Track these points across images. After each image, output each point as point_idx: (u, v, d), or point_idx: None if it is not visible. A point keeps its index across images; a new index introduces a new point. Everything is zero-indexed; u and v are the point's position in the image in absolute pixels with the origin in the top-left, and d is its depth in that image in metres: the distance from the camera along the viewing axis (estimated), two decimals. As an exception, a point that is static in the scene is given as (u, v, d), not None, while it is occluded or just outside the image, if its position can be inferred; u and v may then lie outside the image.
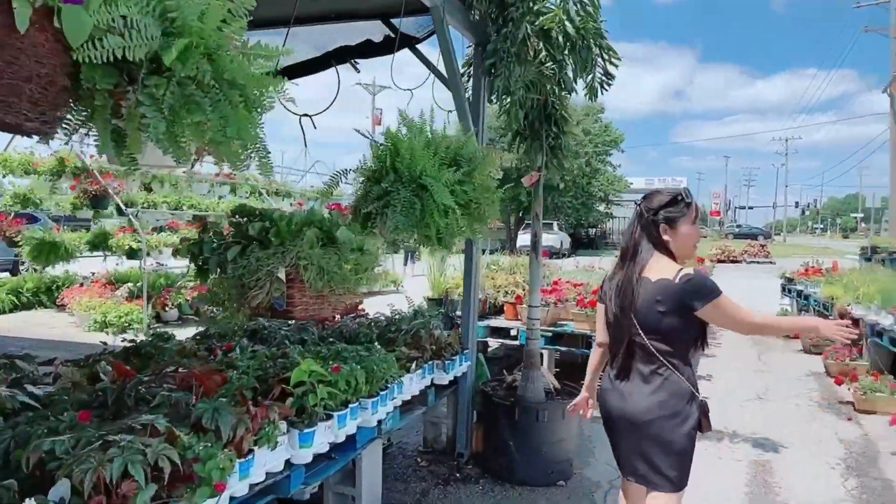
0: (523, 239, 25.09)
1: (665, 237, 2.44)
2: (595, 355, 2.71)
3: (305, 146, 3.03)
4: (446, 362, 3.86)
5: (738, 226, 61.32)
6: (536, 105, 3.97)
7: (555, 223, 31.46)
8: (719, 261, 26.21)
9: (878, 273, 7.50)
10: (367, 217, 2.95)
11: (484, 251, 9.37)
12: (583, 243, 38.41)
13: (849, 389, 5.90)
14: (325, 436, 2.69)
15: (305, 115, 3.02)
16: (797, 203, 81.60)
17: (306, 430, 2.58)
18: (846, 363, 6.69)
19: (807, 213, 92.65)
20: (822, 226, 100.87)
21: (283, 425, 2.51)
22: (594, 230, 42.73)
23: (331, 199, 2.94)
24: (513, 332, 6.12)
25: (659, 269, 2.38)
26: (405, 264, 17.03)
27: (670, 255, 2.44)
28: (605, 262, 9.19)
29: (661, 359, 2.34)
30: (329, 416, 2.72)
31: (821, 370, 7.18)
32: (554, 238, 29.27)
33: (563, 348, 6.04)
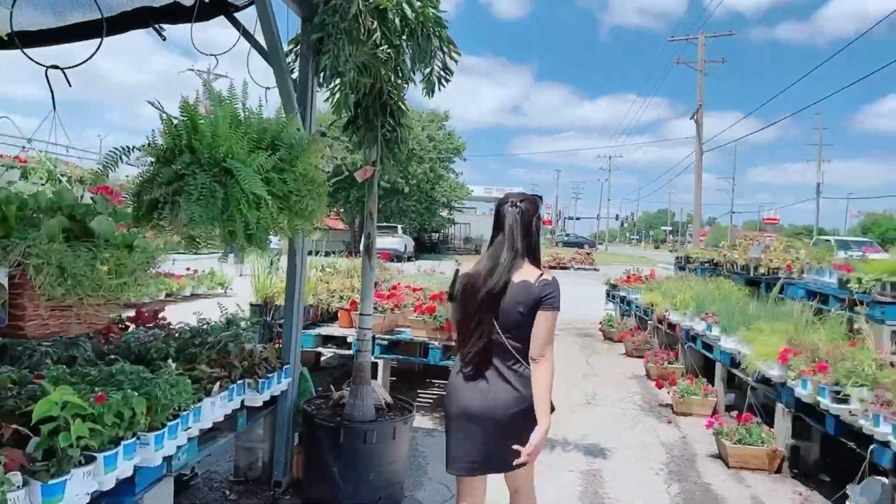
0: (367, 242, 24.64)
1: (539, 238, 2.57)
2: None
3: (54, 108, 2.37)
4: (261, 380, 3.33)
5: (567, 235, 65.62)
6: (371, 92, 3.59)
7: (399, 227, 31.46)
8: (551, 267, 27.73)
9: (692, 281, 8.07)
10: (152, 206, 2.38)
11: (318, 253, 8.83)
12: (426, 247, 38.87)
13: (668, 393, 6.19)
14: (83, 485, 2.09)
15: (54, 66, 2.37)
16: (618, 216, 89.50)
17: (53, 481, 1.98)
18: (664, 366, 7.07)
19: (625, 225, 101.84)
20: (637, 237, 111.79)
21: (18, 477, 1.90)
22: (437, 235, 43.41)
23: (103, 183, 2.33)
24: (348, 340, 5.69)
25: (522, 272, 2.44)
26: (236, 264, 15.79)
27: (533, 257, 2.50)
28: (444, 266, 9.09)
29: (517, 356, 2.42)
30: (91, 459, 2.13)
31: (643, 373, 7.55)
32: (398, 241, 29.24)
33: (401, 357, 5.73)
